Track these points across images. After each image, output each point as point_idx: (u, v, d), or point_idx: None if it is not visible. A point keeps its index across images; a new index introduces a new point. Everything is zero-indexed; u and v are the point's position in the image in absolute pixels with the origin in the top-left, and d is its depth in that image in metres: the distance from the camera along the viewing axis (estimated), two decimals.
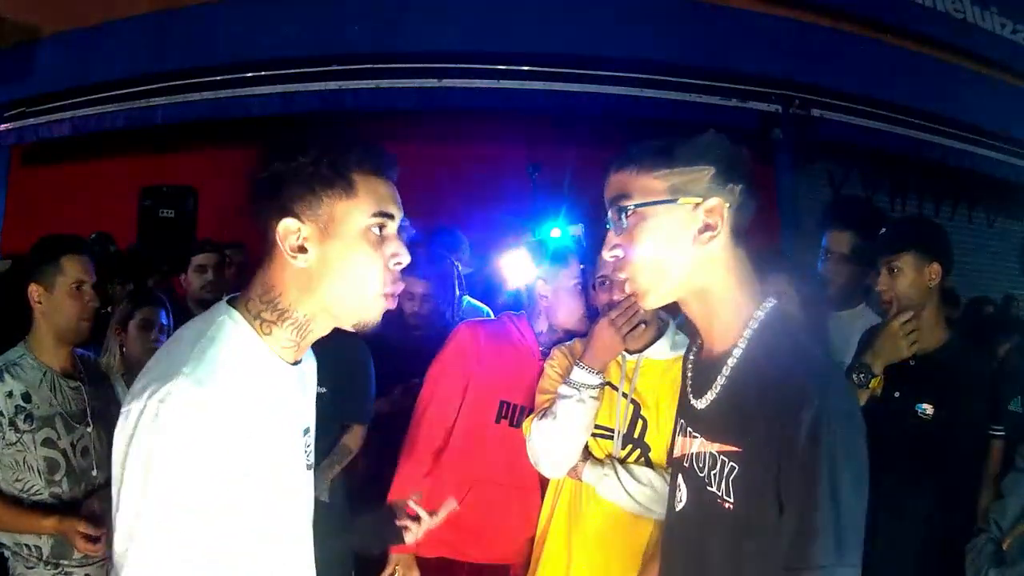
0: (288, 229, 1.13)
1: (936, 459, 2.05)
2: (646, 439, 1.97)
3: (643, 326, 1.97)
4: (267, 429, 1.14)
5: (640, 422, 1.98)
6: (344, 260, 1.14)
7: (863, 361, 2.10)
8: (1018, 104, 5.79)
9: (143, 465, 1.02)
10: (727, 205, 1.15)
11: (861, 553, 1.05)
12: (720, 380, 1.19)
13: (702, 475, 1.21)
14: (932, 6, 5.59)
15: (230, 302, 1.19)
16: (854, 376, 2.10)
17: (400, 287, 1.19)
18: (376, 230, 1.15)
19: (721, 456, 1.17)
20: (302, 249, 1.13)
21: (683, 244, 1.15)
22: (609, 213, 1.20)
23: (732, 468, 1.14)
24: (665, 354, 2.01)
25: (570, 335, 2.23)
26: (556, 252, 2.24)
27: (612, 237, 1.19)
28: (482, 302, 3.39)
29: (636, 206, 1.16)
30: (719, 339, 1.21)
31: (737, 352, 1.17)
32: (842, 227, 2.60)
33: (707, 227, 1.15)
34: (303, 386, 1.28)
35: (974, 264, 6.43)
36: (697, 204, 1.14)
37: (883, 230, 2.23)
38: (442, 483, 2.19)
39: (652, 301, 1.20)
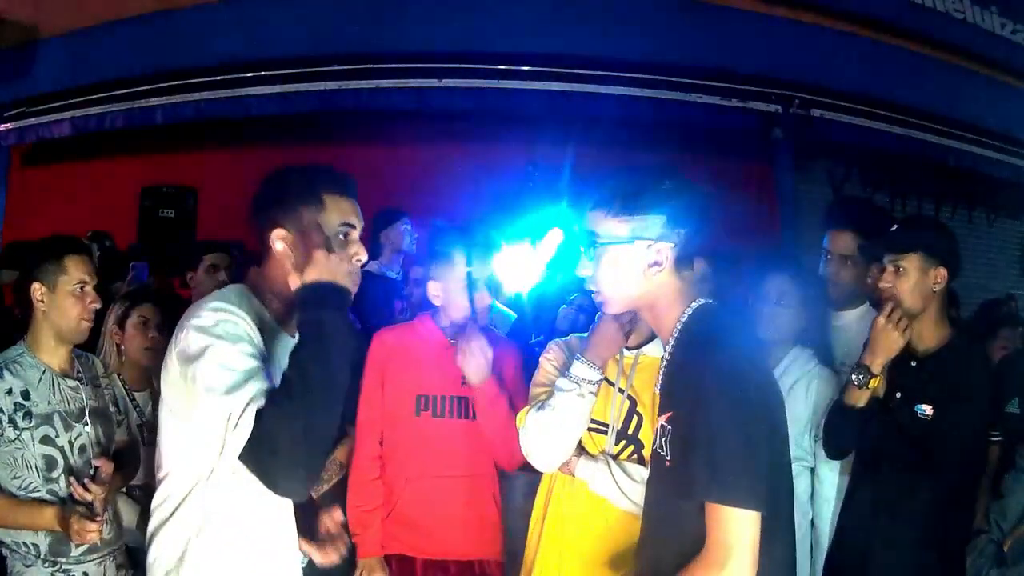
0: (278, 236, 1.50)
1: (936, 460, 2.04)
2: (640, 436, 1.98)
3: (641, 322, 1.98)
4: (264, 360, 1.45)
5: (635, 418, 1.99)
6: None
7: (862, 362, 2.09)
8: (1018, 104, 5.78)
9: (192, 357, 1.38)
10: (671, 246, 1.46)
11: (759, 494, 1.28)
12: (663, 365, 1.52)
13: (657, 445, 1.48)
14: (932, 6, 5.57)
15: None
16: (854, 377, 2.09)
17: (357, 276, 1.52)
18: (342, 236, 1.52)
19: (663, 423, 1.46)
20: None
21: (635, 274, 1.47)
22: (584, 243, 1.52)
23: (668, 430, 1.43)
24: (661, 352, 2.01)
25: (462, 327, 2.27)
26: (442, 250, 2.29)
27: (584, 261, 1.52)
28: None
29: (602, 244, 1.48)
30: (665, 336, 1.52)
31: (672, 341, 1.49)
32: (843, 227, 2.59)
33: (655, 263, 1.45)
34: None
35: (974, 264, 6.42)
36: (649, 245, 1.45)
37: (894, 227, 2.21)
38: (387, 484, 2.30)
39: (614, 309, 1.57)
